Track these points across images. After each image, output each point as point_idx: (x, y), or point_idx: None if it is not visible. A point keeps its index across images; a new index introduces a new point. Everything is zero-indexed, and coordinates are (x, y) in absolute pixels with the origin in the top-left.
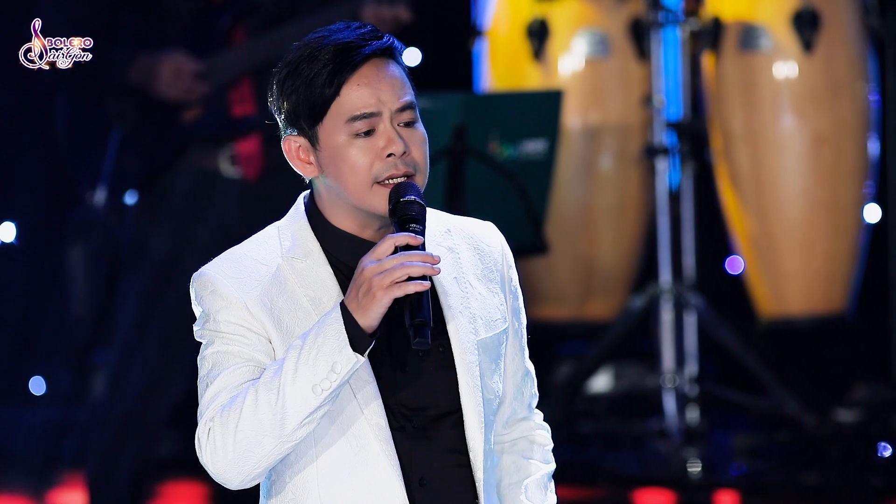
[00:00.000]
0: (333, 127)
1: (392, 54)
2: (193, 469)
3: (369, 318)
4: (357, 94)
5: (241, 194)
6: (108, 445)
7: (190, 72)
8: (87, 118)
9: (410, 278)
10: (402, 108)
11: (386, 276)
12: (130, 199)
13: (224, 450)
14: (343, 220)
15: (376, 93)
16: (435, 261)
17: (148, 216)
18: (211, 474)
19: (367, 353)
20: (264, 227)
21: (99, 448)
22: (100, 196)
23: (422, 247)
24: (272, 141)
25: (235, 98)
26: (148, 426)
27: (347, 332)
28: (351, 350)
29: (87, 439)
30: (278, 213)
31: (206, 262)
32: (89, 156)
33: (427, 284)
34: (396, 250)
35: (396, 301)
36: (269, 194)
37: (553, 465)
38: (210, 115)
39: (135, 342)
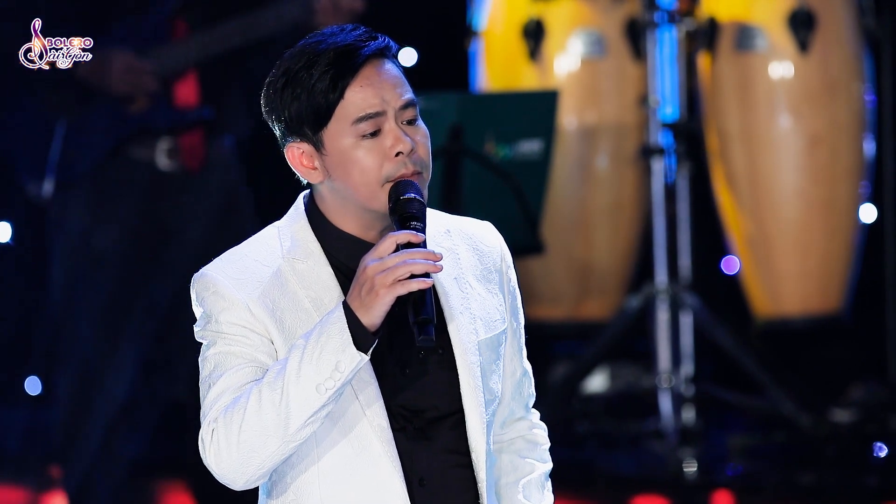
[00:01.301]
0: (339, 130)
1: (389, 53)
2: (184, 470)
3: (372, 316)
4: (361, 95)
5: (174, 187)
6: (63, 446)
7: (142, 68)
8: (28, 109)
9: (413, 276)
10: (405, 106)
11: (388, 273)
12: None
13: (228, 451)
14: (347, 222)
15: (379, 92)
16: (437, 258)
17: (80, 206)
18: (215, 475)
19: (370, 351)
20: (197, 221)
21: (61, 449)
22: (48, 188)
23: (423, 244)
24: (215, 134)
25: (181, 91)
26: (101, 422)
27: (351, 331)
28: (355, 349)
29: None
30: (211, 207)
31: (136, 253)
32: (34, 148)
33: (430, 282)
34: (398, 248)
35: (398, 300)
36: (203, 188)
37: (550, 465)
38: (155, 108)
39: (69, 338)
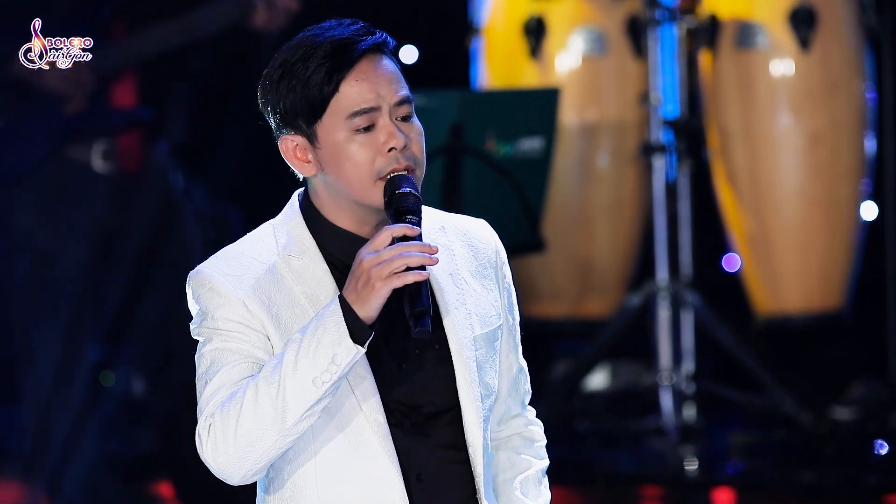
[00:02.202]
0: (333, 124)
1: (386, 49)
2: (171, 469)
3: (368, 309)
4: (356, 89)
5: (109, 189)
6: (28, 446)
7: (84, 64)
8: None
9: (409, 268)
10: (400, 103)
11: (384, 266)
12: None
13: (225, 445)
14: (341, 217)
15: (375, 87)
16: (433, 251)
17: (23, 207)
18: (212, 471)
19: (366, 344)
20: (130, 223)
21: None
22: None
23: (419, 237)
24: (153, 136)
25: (119, 92)
26: (62, 419)
27: (347, 324)
28: (351, 341)
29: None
30: (149, 209)
31: (72, 252)
32: None
33: (426, 274)
34: (394, 241)
35: (394, 295)
36: (137, 190)
37: (547, 461)
38: (93, 109)
39: (21, 337)
